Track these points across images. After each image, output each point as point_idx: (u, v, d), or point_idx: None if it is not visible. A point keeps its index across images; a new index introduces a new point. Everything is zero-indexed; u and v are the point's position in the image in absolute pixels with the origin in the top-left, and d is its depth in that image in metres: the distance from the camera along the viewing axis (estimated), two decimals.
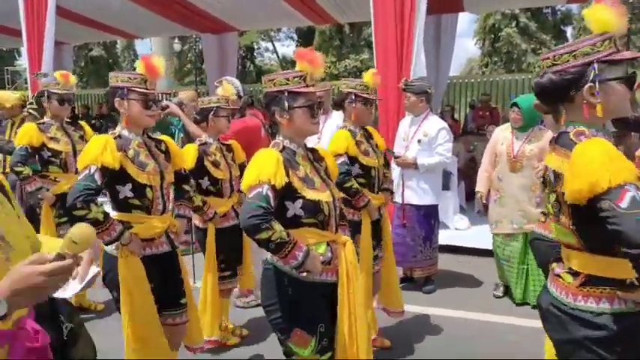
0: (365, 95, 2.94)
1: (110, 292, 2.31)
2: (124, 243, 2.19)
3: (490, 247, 4.11)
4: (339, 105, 3.09)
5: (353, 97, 2.95)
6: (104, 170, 2.13)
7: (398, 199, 4.00)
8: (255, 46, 29.05)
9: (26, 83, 13.58)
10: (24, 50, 5.68)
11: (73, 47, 10.62)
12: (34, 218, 4.14)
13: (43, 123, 3.66)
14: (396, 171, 3.99)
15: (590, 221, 1.35)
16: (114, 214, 2.26)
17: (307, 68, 1.90)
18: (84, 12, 7.46)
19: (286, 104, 1.88)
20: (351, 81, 3.05)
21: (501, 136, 3.90)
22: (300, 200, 1.86)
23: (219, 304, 3.13)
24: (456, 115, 10.71)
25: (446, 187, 5.06)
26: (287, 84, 1.89)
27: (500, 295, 4.02)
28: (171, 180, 2.41)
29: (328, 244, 1.94)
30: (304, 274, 1.82)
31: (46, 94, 3.63)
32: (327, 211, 1.92)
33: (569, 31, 26.66)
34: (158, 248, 2.32)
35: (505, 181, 3.81)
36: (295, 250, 1.76)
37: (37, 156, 3.64)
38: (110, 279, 2.25)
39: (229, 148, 3.20)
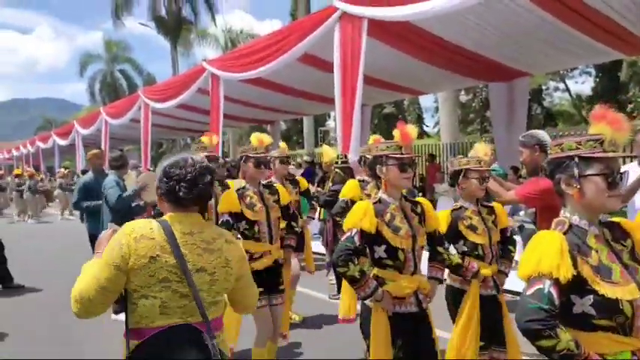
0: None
1: (363, 339, 2.51)
2: (377, 299, 2.37)
3: None
4: None
5: None
6: (363, 233, 2.36)
7: None
8: (544, 87, 26.97)
9: (333, 141, 16.02)
10: (333, 113, 6.65)
11: (372, 107, 12.04)
12: None
13: (363, 181, 4.11)
14: None
15: None
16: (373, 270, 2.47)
17: (606, 131, 1.58)
18: (383, 77, 8.44)
19: (576, 171, 1.59)
20: None
21: None
22: (591, 296, 1.49)
23: None
24: None
25: None
26: (578, 148, 1.61)
27: None
28: (422, 243, 2.52)
29: (634, 354, 1.50)
30: None
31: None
32: (630, 313, 1.48)
33: None
34: (407, 307, 2.45)
35: None
36: None
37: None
38: (364, 328, 2.48)
39: (491, 211, 2.98)
